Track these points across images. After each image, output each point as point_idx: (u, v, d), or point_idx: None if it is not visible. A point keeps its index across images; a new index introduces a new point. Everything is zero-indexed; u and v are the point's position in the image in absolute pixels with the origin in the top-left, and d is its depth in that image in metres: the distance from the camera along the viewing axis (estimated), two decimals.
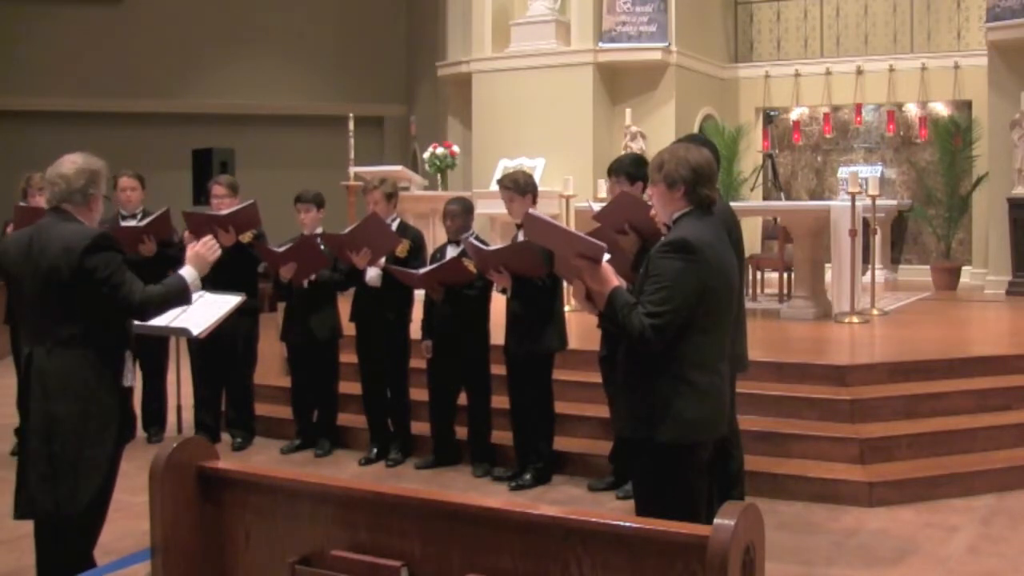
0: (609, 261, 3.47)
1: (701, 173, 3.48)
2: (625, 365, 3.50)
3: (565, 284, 6.35)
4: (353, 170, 11.56)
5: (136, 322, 4.13)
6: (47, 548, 3.92)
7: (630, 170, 5.45)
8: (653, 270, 3.38)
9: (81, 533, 3.90)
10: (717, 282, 3.41)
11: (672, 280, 3.32)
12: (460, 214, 6.29)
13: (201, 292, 5.52)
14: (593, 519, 2.53)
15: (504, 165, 11.56)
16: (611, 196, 5.56)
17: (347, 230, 6.55)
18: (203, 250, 4.10)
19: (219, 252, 4.19)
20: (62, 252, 3.74)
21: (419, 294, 6.51)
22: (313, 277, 6.62)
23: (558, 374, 6.19)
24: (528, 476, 6.00)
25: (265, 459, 6.63)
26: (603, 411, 5.83)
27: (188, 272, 4.03)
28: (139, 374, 6.60)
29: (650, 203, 4.00)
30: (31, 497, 3.82)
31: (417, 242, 6.61)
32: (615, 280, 3.42)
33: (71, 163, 3.89)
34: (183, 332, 5.61)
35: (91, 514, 3.89)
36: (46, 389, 3.80)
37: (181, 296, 4.01)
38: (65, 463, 3.76)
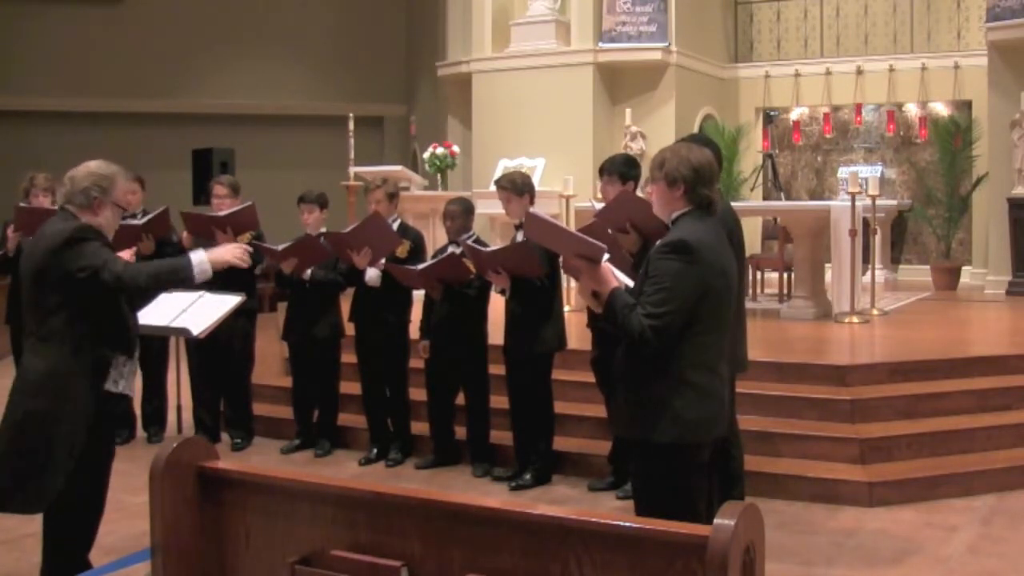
0: (609, 261, 3.47)
1: (702, 173, 3.47)
2: (624, 365, 3.49)
3: (564, 284, 6.36)
4: (353, 170, 11.55)
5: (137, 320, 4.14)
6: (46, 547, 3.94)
7: (622, 169, 5.48)
8: (652, 271, 3.37)
9: (73, 535, 3.90)
10: (717, 283, 3.40)
11: (671, 281, 3.31)
12: (460, 215, 6.29)
13: (201, 292, 5.53)
14: (593, 519, 2.53)
15: (504, 165, 11.56)
16: (604, 195, 5.58)
17: (348, 228, 6.55)
18: (233, 250, 4.02)
19: (245, 265, 4.09)
20: (45, 249, 3.80)
21: (418, 294, 6.51)
22: (309, 273, 6.61)
23: (558, 374, 6.19)
24: (528, 476, 6.00)
25: (265, 459, 6.62)
26: (603, 411, 5.83)
27: (197, 255, 3.92)
28: (139, 374, 6.64)
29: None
30: (3, 489, 3.83)
31: (417, 243, 6.61)
32: (614, 281, 3.41)
33: (84, 166, 3.95)
34: (183, 332, 5.61)
35: (82, 516, 3.89)
36: (25, 384, 3.83)
37: (176, 272, 3.89)
38: (35, 462, 3.75)
